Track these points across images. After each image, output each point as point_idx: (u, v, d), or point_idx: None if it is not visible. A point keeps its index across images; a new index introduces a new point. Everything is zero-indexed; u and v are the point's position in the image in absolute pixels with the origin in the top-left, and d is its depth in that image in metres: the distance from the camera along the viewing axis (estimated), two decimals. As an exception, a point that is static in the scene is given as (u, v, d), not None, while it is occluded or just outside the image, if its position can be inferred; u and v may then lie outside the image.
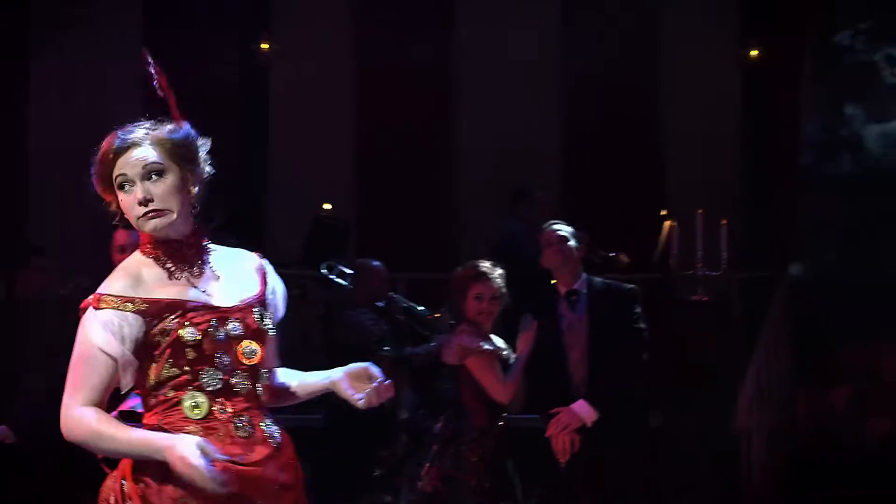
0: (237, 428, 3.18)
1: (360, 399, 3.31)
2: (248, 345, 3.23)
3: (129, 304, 3.15)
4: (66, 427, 3.13)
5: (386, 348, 8.03)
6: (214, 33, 10.40)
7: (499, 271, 6.16)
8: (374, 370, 3.33)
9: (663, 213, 9.61)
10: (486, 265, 6.19)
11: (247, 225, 9.56)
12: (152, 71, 3.33)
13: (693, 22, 10.22)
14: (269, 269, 3.42)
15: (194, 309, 3.19)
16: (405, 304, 8.60)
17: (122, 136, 3.22)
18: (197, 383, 3.17)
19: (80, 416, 3.09)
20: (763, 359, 8.05)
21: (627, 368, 6.06)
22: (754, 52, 9.93)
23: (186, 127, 3.29)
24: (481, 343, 6.06)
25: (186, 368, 3.17)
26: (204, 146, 3.31)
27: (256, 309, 3.28)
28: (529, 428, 6.26)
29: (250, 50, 10.55)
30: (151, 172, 3.19)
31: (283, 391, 3.44)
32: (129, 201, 3.21)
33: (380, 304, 8.39)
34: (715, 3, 10.30)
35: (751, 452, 7.88)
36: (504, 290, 6.13)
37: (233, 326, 3.22)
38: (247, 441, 3.18)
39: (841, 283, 7.85)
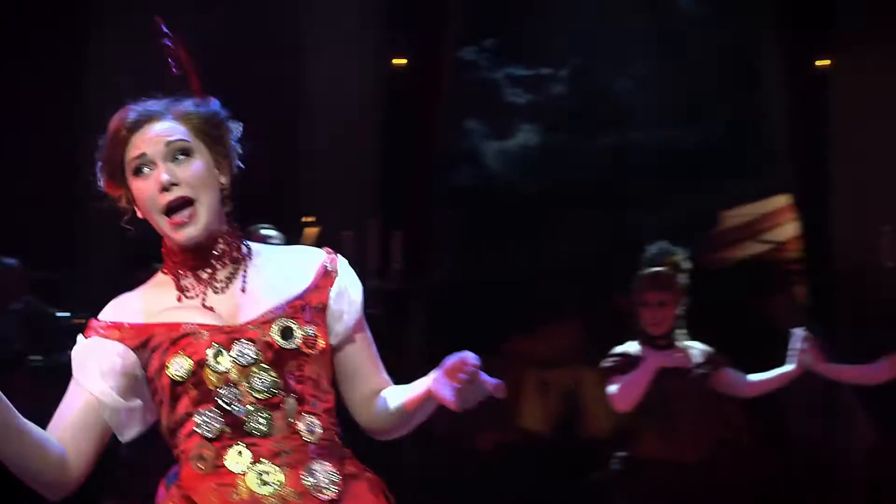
0: (259, 483, 2.46)
1: (451, 398, 2.43)
2: (259, 374, 2.50)
3: (114, 332, 2.51)
4: None
5: (34, 357, 7.50)
6: None
7: None
8: (469, 357, 2.43)
9: (307, 220, 9.52)
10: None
11: None
12: (168, 42, 2.67)
13: (340, 27, 10.13)
14: (341, 266, 2.62)
15: (190, 333, 2.49)
16: (43, 308, 8.05)
17: (139, 110, 2.54)
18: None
19: None
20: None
21: None
22: (401, 61, 9.91)
23: (215, 102, 2.64)
24: None
25: (190, 411, 2.48)
26: (235, 129, 2.66)
27: (280, 321, 2.53)
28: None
29: None
30: (177, 152, 2.51)
31: (388, 416, 2.64)
32: (146, 188, 2.51)
33: (15, 307, 7.80)
34: (363, 10, 10.26)
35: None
36: None
37: (239, 351, 2.49)
38: (274, 498, 2.47)
39: (464, 291, 7.96)
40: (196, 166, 2.51)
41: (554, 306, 7.88)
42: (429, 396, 2.51)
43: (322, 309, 2.56)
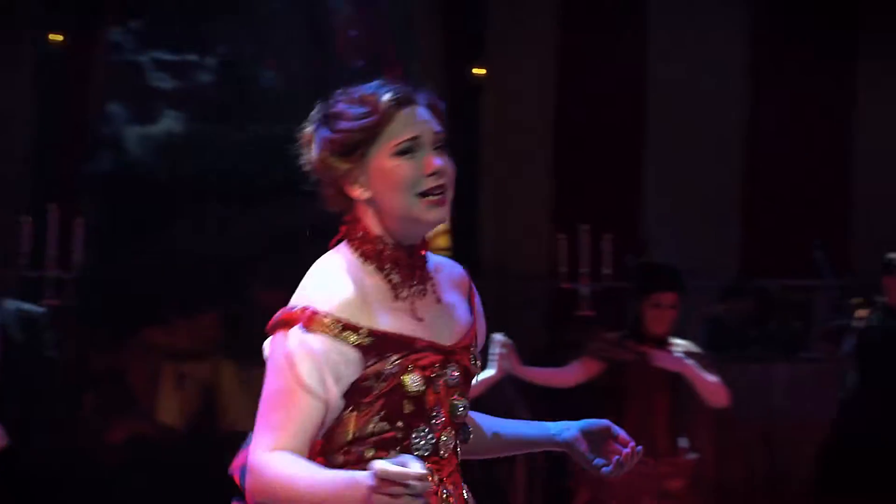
0: (443, 501, 2.44)
1: (607, 468, 2.54)
2: (459, 399, 2.46)
3: (350, 335, 2.34)
4: (252, 476, 2.30)
5: None
6: None
7: None
8: (618, 430, 2.56)
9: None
10: None
11: None
12: (355, 34, 2.33)
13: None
14: (473, 286, 2.62)
15: (422, 349, 2.41)
16: None
17: (394, 87, 2.41)
18: (406, 443, 2.40)
19: (268, 460, 2.28)
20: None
21: (38, 396, 5.60)
22: (57, 37, 9.41)
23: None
24: None
25: (399, 424, 2.40)
26: None
27: (473, 347, 2.52)
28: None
29: None
30: (440, 142, 2.41)
31: (479, 441, 2.67)
32: (411, 169, 2.38)
33: None
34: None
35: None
36: None
37: (451, 373, 2.45)
38: None
39: (102, 280, 7.77)
40: (450, 161, 2.43)
41: (192, 298, 7.80)
42: (555, 447, 2.60)
43: (476, 335, 2.57)
